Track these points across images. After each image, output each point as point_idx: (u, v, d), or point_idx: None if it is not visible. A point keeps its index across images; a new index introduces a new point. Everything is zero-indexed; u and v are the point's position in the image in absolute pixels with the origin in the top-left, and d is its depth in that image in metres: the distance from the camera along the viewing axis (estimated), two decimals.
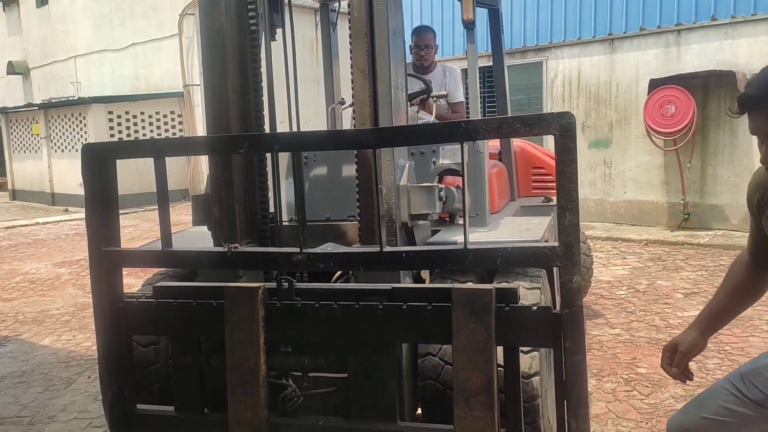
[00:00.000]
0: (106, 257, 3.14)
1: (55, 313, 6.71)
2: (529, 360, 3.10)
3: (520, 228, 3.72)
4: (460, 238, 3.01)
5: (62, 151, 18.75)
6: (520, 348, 3.06)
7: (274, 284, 3.01)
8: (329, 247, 2.97)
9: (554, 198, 5.34)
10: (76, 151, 16.28)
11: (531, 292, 3.23)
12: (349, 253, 3.02)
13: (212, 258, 3.12)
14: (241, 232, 3.33)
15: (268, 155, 3.56)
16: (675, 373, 2.31)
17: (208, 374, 3.16)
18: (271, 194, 3.59)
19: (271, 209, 3.66)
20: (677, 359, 2.23)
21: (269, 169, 3.57)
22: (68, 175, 18.00)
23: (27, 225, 14.19)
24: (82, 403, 4.08)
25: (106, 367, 3.19)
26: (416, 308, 2.78)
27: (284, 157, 4.09)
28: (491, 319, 2.66)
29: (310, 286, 3.20)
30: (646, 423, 3.62)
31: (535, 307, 2.74)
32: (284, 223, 3.79)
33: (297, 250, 2.90)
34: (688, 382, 2.38)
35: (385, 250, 2.81)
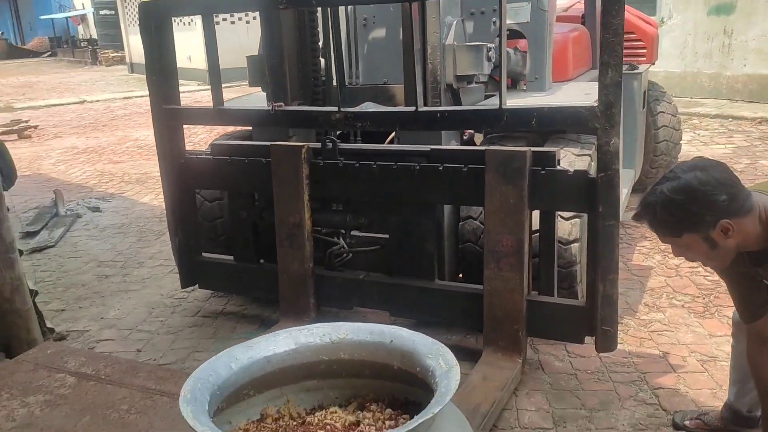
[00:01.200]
0: (166, 114, 3.34)
1: (155, 175, 7.25)
2: (569, 226, 3.04)
3: (579, 93, 3.50)
4: (512, 102, 2.90)
5: (175, 24, 19.30)
6: (561, 214, 3.03)
7: (319, 144, 3.11)
8: (369, 107, 2.97)
9: (640, 65, 4.94)
10: (185, 24, 16.65)
11: (580, 159, 3.10)
12: (385, 112, 3.01)
13: (258, 116, 3.24)
14: (292, 92, 3.38)
15: (320, 15, 3.50)
16: None
17: (262, 228, 3.40)
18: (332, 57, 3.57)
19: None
20: None
21: (320, 30, 3.53)
22: (179, 48, 18.66)
23: (142, 96, 15.08)
24: (168, 252, 4.52)
25: (172, 217, 3.51)
26: (452, 170, 2.78)
27: (342, 20, 4.02)
28: (524, 182, 2.62)
29: (353, 146, 3.26)
30: (703, 298, 3.50)
31: (571, 171, 2.65)
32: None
33: (335, 109, 2.93)
34: None
35: (420, 109, 2.78)
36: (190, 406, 1.43)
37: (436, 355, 1.61)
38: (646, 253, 4.34)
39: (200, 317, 3.72)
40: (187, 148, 3.53)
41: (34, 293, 3.42)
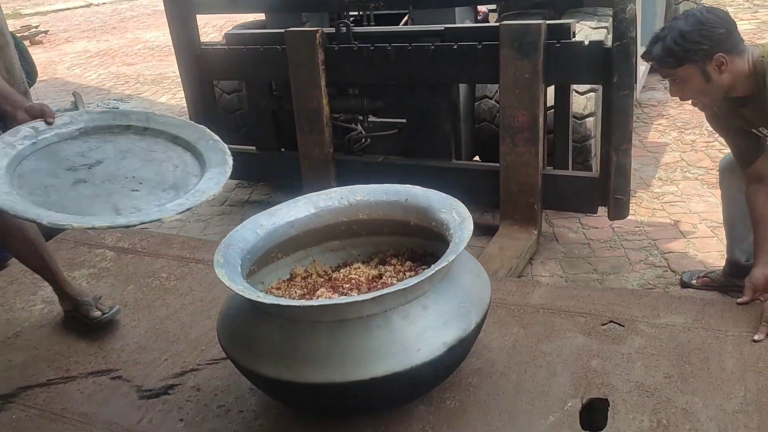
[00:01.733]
0: (179, 5, 3.33)
1: (171, 76, 7.29)
2: (584, 101, 3.07)
3: None
4: None
5: None
6: (576, 89, 3.05)
7: (333, 30, 3.11)
8: None
9: None
10: None
11: (596, 32, 3.08)
12: None
13: (270, 1, 3.23)
14: None
15: None
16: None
17: (281, 116, 3.47)
18: None
19: None
20: (752, 296, 2.07)
21: None
22: None
23: None
24: None
25: (192, 108, 3.58)
26: (466, 48, 2.79)
27: None
28: (539, 56, 2.63)
29: (367, 29, 3.25)
30: (717, 170, 3.56)
31: (586, 42, 2.65)
32: None
33: None
34: None
35: None
36: (224, 269, 1.56)
37: (449, 209, 1.72)
38: (662, 130, 4.37)
39: (227, 206, 3.88)
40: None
41: None
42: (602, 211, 2.88)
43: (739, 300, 1.99)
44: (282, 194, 3.84)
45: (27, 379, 1.97)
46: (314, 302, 1.40)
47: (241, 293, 1.45)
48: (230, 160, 1.74)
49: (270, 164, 3.57)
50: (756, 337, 1.80)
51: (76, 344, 2.13)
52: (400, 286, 1.40)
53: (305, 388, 1.46)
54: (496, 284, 2.19)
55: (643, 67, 4.20)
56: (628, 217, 3.01)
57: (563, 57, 2.65)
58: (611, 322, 1.95)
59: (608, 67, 2.53)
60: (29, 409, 1.83)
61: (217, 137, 1.85)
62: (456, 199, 1.77)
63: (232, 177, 3.97)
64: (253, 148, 3.65)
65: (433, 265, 1.49)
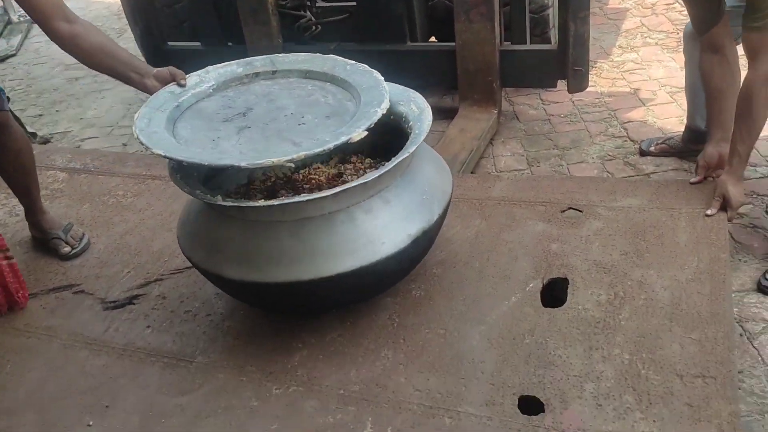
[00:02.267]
0: None
1: None
2: None
3: None
4: None
5: None
6: None
7: None
8: None
9: None
10: None
11: None
12: None
13: None
14: None
15: None
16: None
17: (224, 6, 3.21)
18: None
19: None
20: (705, 174, 2.00)
21: None
22: None
23: None
24: (134, 48, 4.23)
25: (128, 4, 3.30)
26: None
27: None
28: None
29: None
30: (677, 34, 3.49)
31: None
32: None
33: None
34: None
35: None
36: (178, 173, 1.50)
37: (407, 102, 1.66)
38: None
39: None
40: None
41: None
42: (562, 85, 2.83)
43: (693, 180, 2.01)
44: None
45: None
46: (274, 201, 1.35)
47: (201, 198, 1.40)
48: (377, 76, 1.62)
49: (218, 59, 3.35)
50: (708, 212, 1.83)
51: (34, 263, 2.09)
52: (361, 180, 1.37)
53: (271, 288, 1.45)
54: (457, 180, 2.17)
55: None
56: (589, 89, 2.97)
57: None
58: (570, 208, 1.96)
59: None
60: None
61: (351, 61, 1.73)
62: (414, 91, 1.70)
63: None
64: (198, 44, 3.44)
65: (393, 159, 1.44)
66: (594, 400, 1.35)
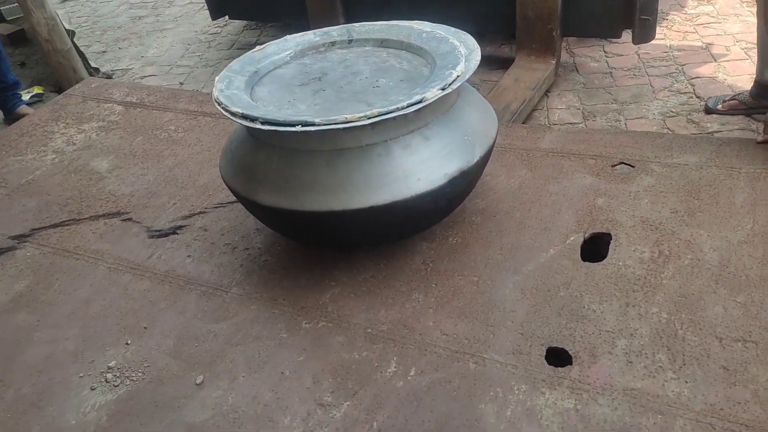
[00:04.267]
0: None
1: None
2: None
3: None
4: None
5: None
6: None
7: None
8: None
9: None
10: None
11: None
12: None
13: None
14: None
15: None
16: None
17: None
18: None
19: None
20: None
21: None
22: None
23: None
24: None
25: None
26: None
27: None
28: None
29: None
30: None
31: None
32: None
33: None
34: None
35: None
36: (223, 95, 1.51)
37: (461, 39, 1.62)
38: None
39: (235, 50, 3.74)
40: None
41: (71, 33, 3.48)
42: (627, 36, 2.69)
43: (759, 138, 1.88)
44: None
45: (40, 221, 2.02)
46: (311, 127, 1.34)
47: (240, 122, 1.40)
48: (454, 41, 1.62)
49: (275, 1, 3.36)
50: None
51: (87, 190, 2.17)
52: (400, 113, 1.33)
53: (304, 216, 1.45)
54: (506, 130, 2.13)
55: None
56: (657, 42, 2.82)
57: None
58: (621, 163, 1.88)
59: None
60: (43, 247, 1.90)
61: (429, 27, 1.74)
62: (464, 32, 1.64)
63: (235, 17, 3.86)
64: None
65: (433, 95, 1.40)
66: (625, 357, 1.31)
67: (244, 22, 4.02)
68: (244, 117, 1.40)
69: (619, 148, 1.94)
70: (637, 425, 1.17)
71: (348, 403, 1.30)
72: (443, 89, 1.40)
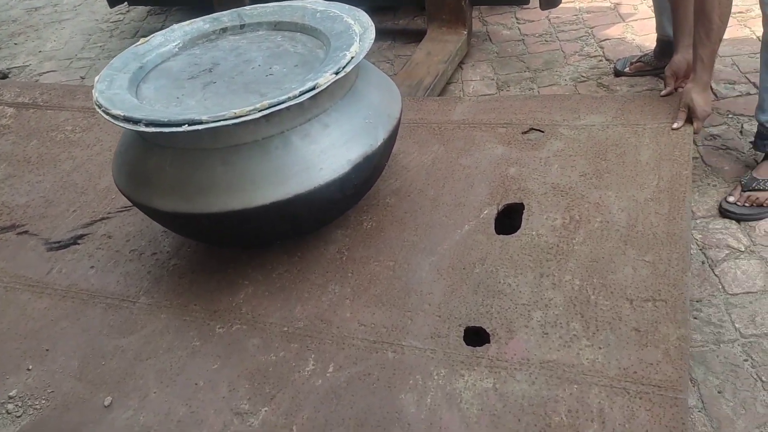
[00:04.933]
0: None
1: None
2: None
3: None
4: None
5: None
6: None
7: None
8: None
9: None
10: None
11: None
12: None
13: None
14: None
15: None
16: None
17: None
18: None
19: None
20: (674, 84, 1.87)
21: None
22: None
23: None
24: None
25: None
26: None
27: None
28: None
29: None
30: None
31: None
32: None
33: None
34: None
35: None
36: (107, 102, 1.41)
37: (355, 18, 1.55)
38: None
39: (140, 37, 3.54)
40: None
41: None
42: (535, 3, 2.68)
43: (662, 92, 1.91)
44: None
45: None
46: (199, 126, 1.25)
47: (126, 126, 1.30)
48: (348, 20, 1.53)
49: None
50: (675, 125, 1.75)
51: None
52: (294, 101, 1.27)
53: (205, 219, 1.38)
54: (417, 104, 2.09)
55: None
56: (567, 5, 2.82)
57: None
58: (532, 129, 1.88)
59: None
60: None
61: (322, 6, 1.64)
62: (360, 10, 1.58)
63: (135, 3, 3.65)
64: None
65: (325, 76, 1.34)
66: (540, 329, 1.31)
67: (147, 8, 3.81)
68: (127, 120, 1.31)
69: (528, 114, 1.94)
70: (554, 398, 1.18)
71: (266, 408, 1.25)
72: (337, 73, 1.34)
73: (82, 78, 3.29)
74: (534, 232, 1.53)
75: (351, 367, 1.30)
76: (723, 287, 1.62)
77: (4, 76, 3.45)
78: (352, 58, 1.39)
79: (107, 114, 1.34)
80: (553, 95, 2.28)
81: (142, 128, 1.28)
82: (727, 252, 1.72)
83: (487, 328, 1.33)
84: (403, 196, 1.72)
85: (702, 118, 1.74)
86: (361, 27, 1.52)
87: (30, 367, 1.43)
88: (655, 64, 2.37)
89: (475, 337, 1.33)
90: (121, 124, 1.31)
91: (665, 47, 2.28)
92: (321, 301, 1.46)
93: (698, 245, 1.75)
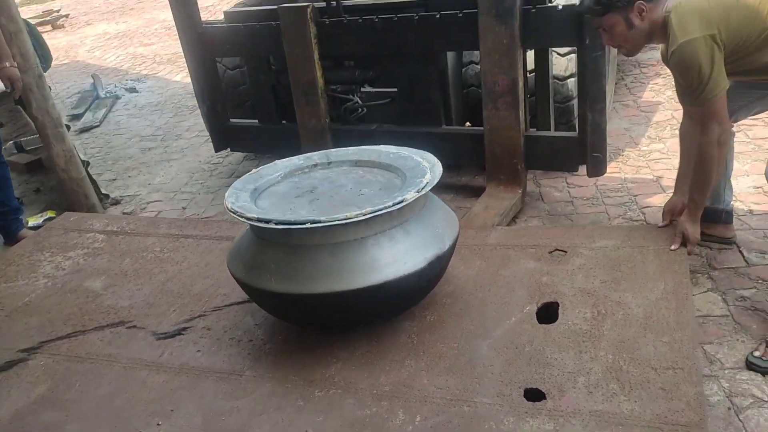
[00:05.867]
0: None
1: None
2: (565, 62, 3.27)
3: None
4: None
5: None
6: (557, 51, 3.23)
7: (324, 4, 3.31)
8: None
9: None
10: None
11: None
12: None
13: None
14: None
15: None
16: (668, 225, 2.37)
17: (280, 90, 3.67)
18: None
19: None
20: (670, 219, 2.36)
21: None
22: None
23: None
24: (201, 125, 4.79)
25: (197, 85, 3.81)
26: (449, 16, 2.98)
27: None
28: (515, 21, 2.79)
29: (356, 2, 3.43)
30: None
31: (560, 6, 2.84)
32: None
33: None
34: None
35: None
36: (234, 203, 1.86)
37: (423, 157, 2.04)
38: (657, 89, 4.46)
39: (235, 177, 4.04)
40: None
41: (86, 164, 3.83)
42: (584, 170, 3.02)
43: (660, 224, 2.36)
44: None
45: (46, 335, 2.18)
46: (315, 224, 1.67)
47: (254, 223, 1.72)
48: (417, 158, 2.02)
49: (272, 136, 3.76)
50: (672, 247, 2.18)
51: (86, 306, 2.34)
52: (386, 210, 1.70)
53: (315, 299, 1.74)
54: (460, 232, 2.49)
55: None
56: (613, 175, 3.18)
57: (539, 21, 2.82)
58: (556, 250, 2.29)
59: (581, 29, 2.72)
60: (54, 356, 2.06)
61: (394, 149, 2.13)
62: (426, 152, 2.06)
63: (236, 150, 4.28)
64: (256, 121, 3.87)
65: (410, 194, 1.78)
66: (586, 389, 1.63)
67: (244, 154, 4.38)
68: (260, 220, 1.73)
69: (552, 239, 2.37)
70: None
71: None
72: (418, 191, 1.80)
73: (184, 208, 3.77)
74: (570, 322, 1.90)
75: (434, 417, 1.60)
76: (746, 430, 1.82)
77: (117, 202, 3.96)
78: (428, 182, 1.85)
79: (242, 217, 1.77)
80: (572, 225, 2.67)
81: (272, 226, 1.70)
82: (751, 401, 1.91)
83: (542, 389, 1.65)
84: (456, 297, 2.10)
85: (693, 242, 2.19)
86: (429, 163, 2.01)
87: (159, 422, 1.70)
88: None
89: (533, 395, 1.65)
90: (256, 224, 1.73)
91: (706, 213, 2.46)
92: (401, 372, 1.78)
93: (725, 392, 1.94)
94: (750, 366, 2.04)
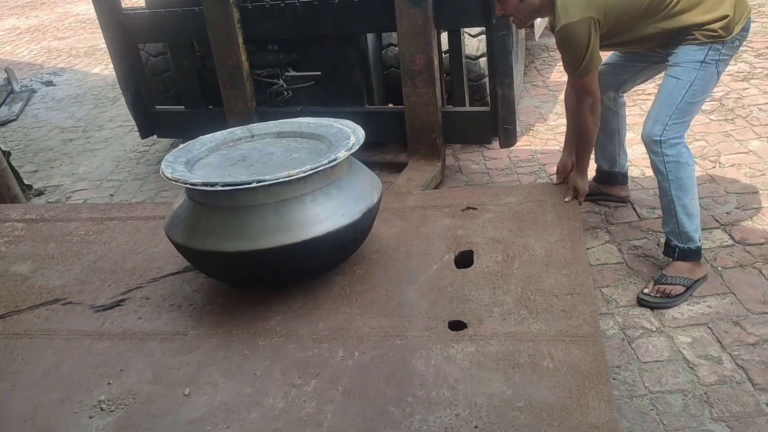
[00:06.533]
0: None
1: (103, 47, 6.94)
2: (477, 42, 3.52)
3: None
4: None
5: None
6: (468, 32, 3.47)
7: None
8: None
9: None
10: None
11: None
12: None
13: None
14: None
15: None
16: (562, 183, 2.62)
17: (206, 75, 3.71)
18: None
19: None
20: (563, 177, 2.62)
21: None
22: None
23: None
24: (125, 115, 4.75)
25: (120, 73, 3.75)
26: (367, 1, 3.15)
27: None
28: (428, 4, 3.00)
29: None
30: None
31: None
32: None
33: None
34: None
35: None
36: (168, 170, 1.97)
37: (343, 124, 2.21)
38: (563, 71, 4.60)
39: None
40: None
41: (7, 154, 3.72)
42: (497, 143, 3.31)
43: (555, 182, 2.66)
44: None
45: None
46: (255, 184, 1.80)
47: (200, 187, 1.83)
48: (337, 125, 2.17)
49: (199, 121, 3.75)
50: (566, 199, 2.48)
51: (15, 289, 2.32)
52: (324, 167, 1.87)
53: (263, 254, 1.87)
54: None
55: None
56: (524, 147, 3.48)
57: (450, 3, 3.04)
58: (468, 208, 2.53)
59: (488, 11, 2.96)
60: None
61: (313, 120, 2.26)
62: (345, 120, 2.23)
63: (163, 136, 4.28)
64: (182, 107, 3.87)
65: (342, 152, 1.95)
66: (500, 317, 1.87)
67: (171, 140, 4.34)
68: (205, 184, 1.85)
69: (464, 198, 2.62)
70: (518, 350, 1.72)
71: (314, 380, 1.70)
72: (348, 150, 1.97)
73: (111, 195, 3.74)
74: (484, 266, 2.14)
75: (371, 352, 1.79)
76: (637, 357, 2.09)
77: (40, 193, 3.85)
78: (355, 142, 2.03)
79: (187, 183, 1.87)
80: (479, 185, 2.93)
81: (219, 188, 1.82)
82: (641, 331, 2.20)
83: (464, 320, 1.88)
84: (382, 253, 2.29)
85: (582, 194, 2.49)
86: (350, 128, 2.18)
87: (110, 381, 1.78)
88: (594, 191, 2.93)
89: (457, 326, 1.87)
90: (201, 188, 1.84)
91: (602, 177, 2.96)
92: (337, 318, 1.95)
93: (619, 326, 2.24)
94: (640, 302, 2.35)
